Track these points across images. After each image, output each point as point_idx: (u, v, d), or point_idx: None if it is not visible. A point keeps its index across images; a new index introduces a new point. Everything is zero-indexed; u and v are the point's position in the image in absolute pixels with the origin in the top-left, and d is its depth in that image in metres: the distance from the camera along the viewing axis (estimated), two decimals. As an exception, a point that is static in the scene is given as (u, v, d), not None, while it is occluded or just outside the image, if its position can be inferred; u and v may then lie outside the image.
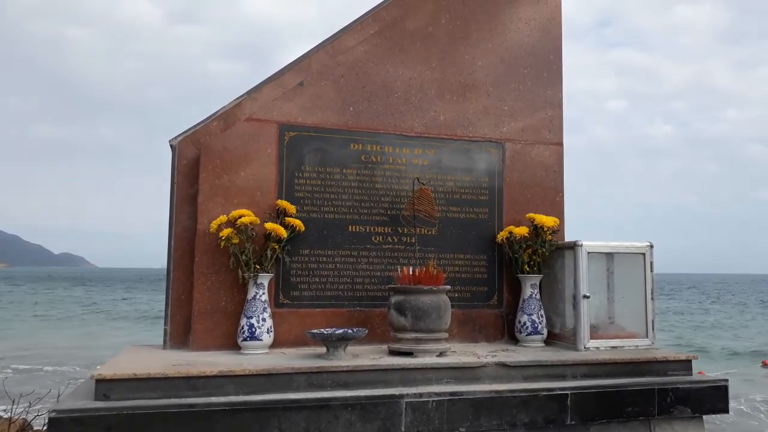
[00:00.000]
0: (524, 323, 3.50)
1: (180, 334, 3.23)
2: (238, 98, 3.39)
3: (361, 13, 3.71)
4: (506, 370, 2.96)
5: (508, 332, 3.67)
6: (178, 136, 3.33)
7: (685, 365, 3.22)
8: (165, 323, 3.27)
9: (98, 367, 2.72)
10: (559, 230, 3.67)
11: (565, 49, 3.95)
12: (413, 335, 2.99)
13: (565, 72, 3.94)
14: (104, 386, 2.43)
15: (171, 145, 3.33)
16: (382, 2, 3.66)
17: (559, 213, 3.79)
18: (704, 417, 3.15)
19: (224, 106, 3.38)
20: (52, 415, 2.27)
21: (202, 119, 3.39)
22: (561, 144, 3.91)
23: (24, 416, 4.62)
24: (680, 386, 3.07)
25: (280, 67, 3.60)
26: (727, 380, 3.17)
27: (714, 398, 3.13)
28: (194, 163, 3.28)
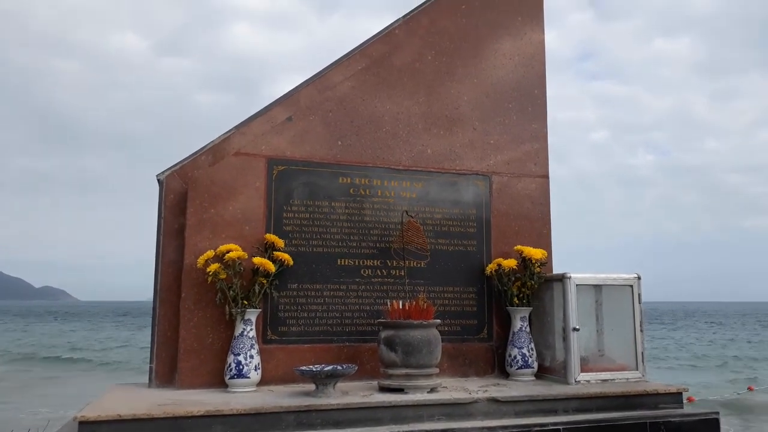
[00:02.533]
0: (515, 357, 3.48)
1: (166, 372, 3.16)
2: (226, 132, 3.40)
3: (349, 48, 3.78)
4: (498, 405, 2.93)
5: (499, 366, 3.64)
6: (166, 170, 3.32)
7: (676, 398, 3.21)
8: (150, 361, 3.20)
9: (82, 408, 2.64)
10: (547, 262, 3.69)
11: (547, 81, 4.04)
12: (404, 371, 2.95)
13: (548, 104, 4.01)
14: (88, 428, 2.36)
15: (158, 180, 3.31)
16: (369, 39, 3.72)
17: (546, 245, 3.81)
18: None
19: (212, 141, 3.38)
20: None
21: (190, 153, 3.39)
22: (546, 176, 3.95)
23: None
24: (672, 419, 3.05)
25: (267, 99, 3.64)
26: (718, 413, 3.16)
27: (705, 431, 3.11)
28: (182, 197, 3.26)
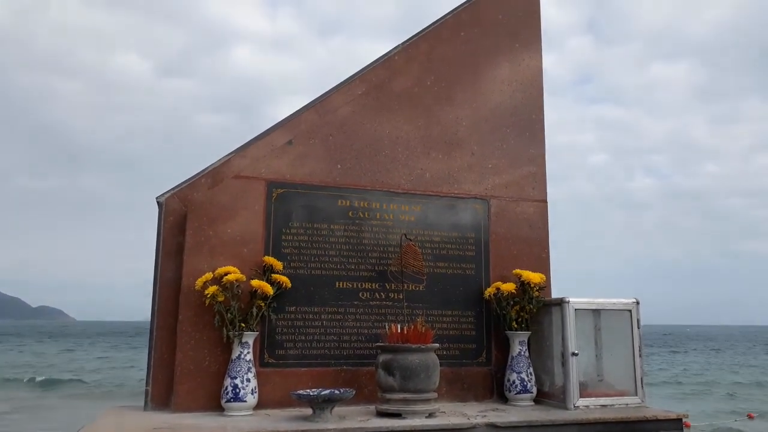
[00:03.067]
0: (513, 381, 3.46)
1: (162, 395, 3.14)
2: (226, 156, 3.42)
3: (350, 71, 3.83)
4: (497, 431, 2.90)
5: (497, 390, 3.62)
6: (166, 192, 3.34)
7: (677, 424, 3.19)
8: (146, 384, 3.18)
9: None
10: (545, 286, 3.69)
11: (546, 104, 4.09)
12: (401, 396, 2.93)
13: (547, 127, 4.06)
14: (81, 453, 2.33)
15: (158, 202, 3.33)
16: (369, 65, 3.78)
17: (545, 269, 3.81)
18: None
19: (212, 164, 3.41)
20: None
21: (191, 176, 3.42)
22: (545, 201, 3.97)
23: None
24: (672, 446, 3.03)
25: (268, 120, 3.69)
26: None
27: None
28: (181, 219, 3.28)
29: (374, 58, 3.83)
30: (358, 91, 3.67)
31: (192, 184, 3.36)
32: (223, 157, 3.42)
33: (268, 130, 3.55)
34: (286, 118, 3.58)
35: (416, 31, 3.92)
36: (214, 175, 3.37)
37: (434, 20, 3.95)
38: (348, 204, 3.55)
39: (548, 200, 3.98)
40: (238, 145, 3.48)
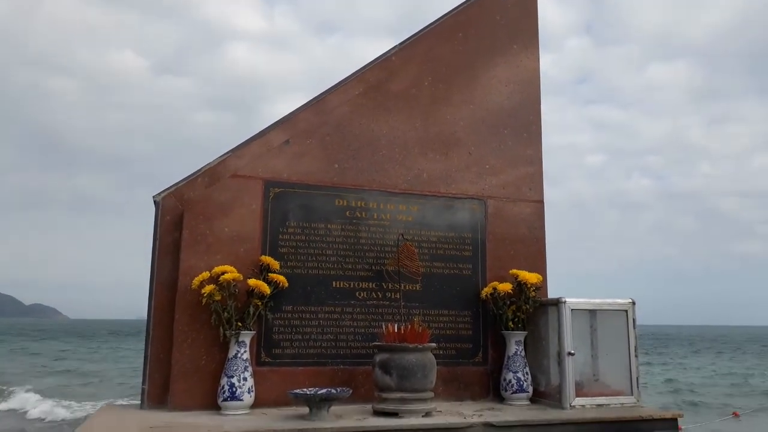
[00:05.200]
0: (510, 381, 3.47)
1: (158, 394, 3.13)
2: (223, 155, 3.42)
3: (347, 70, 3.84)
4: (493, 430, 2.91)
5: (494, 390, 3.63)
6: (163, 191, 3.34)
7: (671, 423, 3.20)
8: (143, 382, 3.17)
9: (74, 429, 2.61)
10: (542, 286, 3.70)
11: (543, 104, 4.10)
12: (398, 395, 2.94)
13: (543, 127, 4.06)
14: (77, 452, 2.33)
15: (155, 201, 3.33)
16: (367, 65, 3.78)
17: (541, 269, 3.82)
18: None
19: (209, 163, 3.41)
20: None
21: (187, 175, 3.41)
22: (542, 201, 3.98)
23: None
24: (667, 446, 3.04)
25: (265, 119, 3.71)
26: (712, 439, 3.15)
27: (701, 458, 3.11)
28: (178, 218, 3.27)
29: (372, 58, 3.84)
30: (355, 92, 3.68)
31: (189, 183, 3.35)
32: (220, 156, 3.42)
33: (265, 129, 3.55)
34: (283, 118, 3.58)
35: (414, 32, 3.93)
36: (211, 174, 3.37)
37: (432, 21, 3.96)
38: (345, 204, 3.55)
39: (545, 201, 3.99)
40: (235, 144, 3.49)
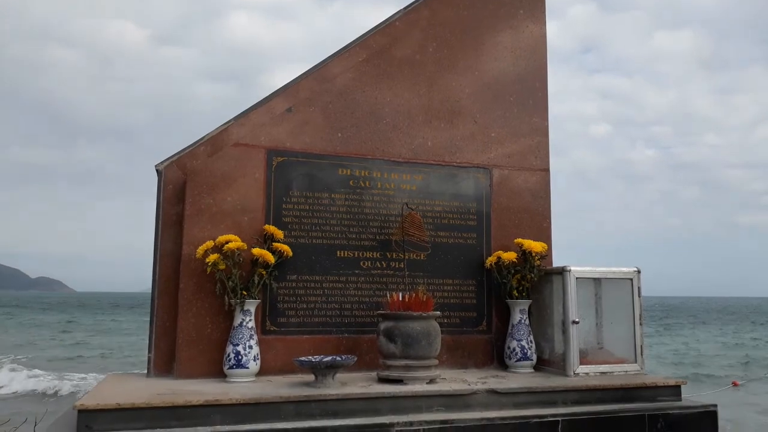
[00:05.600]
0: (513, 349, 3.49)
1: (164, 362, 3.16)
2: (225, 123, 3.38)
3: (349, 38, 3.76)
4: (497, 397, 2.93)
5: (498, 358, 3.65)
6: (165, 161, 3.30)
7: (675, 390, 3.22)
8: (149, 351, 3.19)
9: (81, 396, 2.63)
10: (547, 255, 3.68)
11: (548, 74, 4.02)
12: (403, 362, 2.95)
13: (549, 96, 4.00)
14: (87, 417, 2.35)
15: (157, 170, 3.30)
16: (370, 31, 3.70)
17: (546, 238, 3.80)
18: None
19: (211, 132, 3.36)
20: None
21: (189, 144, 3.37)
22: (547, 170, 3.94)
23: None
24: (670, 412, 3.06)
25: (266, 89, 3.65)
26: (716, 405, 3.17)
27: (703, 424, 3.12)
28: (180, 188, 3.25)
29: (374, 24, 3.76)
30: (358, 58, 3.61)
31: (191, 152, 3.32)
32: (222, 125, 3.37)
33: (267, 97, 3.50)
34: (285, 86, 3.53)
35: (418, -4, 3.84)
36: (213, 143, 3.33)
37: (436, -15, 3.86)
38: (349, 173, 3.52)
39: (550, 170, 3.96)
40: (237, 114, 3.44)
